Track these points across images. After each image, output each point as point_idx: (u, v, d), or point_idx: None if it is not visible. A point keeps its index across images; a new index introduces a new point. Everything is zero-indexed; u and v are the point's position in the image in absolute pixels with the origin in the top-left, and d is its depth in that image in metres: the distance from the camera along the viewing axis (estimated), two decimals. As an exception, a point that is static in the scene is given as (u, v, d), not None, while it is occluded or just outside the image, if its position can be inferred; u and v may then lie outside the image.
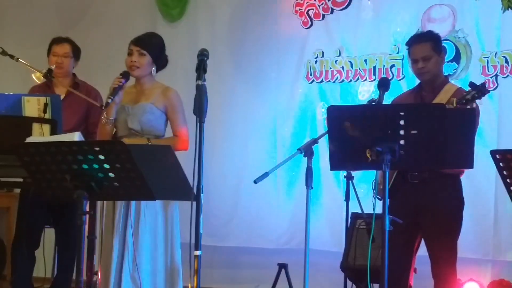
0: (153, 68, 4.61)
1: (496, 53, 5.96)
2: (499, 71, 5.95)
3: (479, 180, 5.85)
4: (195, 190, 3.60)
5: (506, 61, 5.93)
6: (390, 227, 3.60)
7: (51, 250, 5.62)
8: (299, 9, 6.70)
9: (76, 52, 5.45)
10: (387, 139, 3.59)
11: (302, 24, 6.69)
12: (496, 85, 5.96)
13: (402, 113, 3.60)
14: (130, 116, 4.53)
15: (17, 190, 5.79)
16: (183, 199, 3.85)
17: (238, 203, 6.78)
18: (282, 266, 5.88)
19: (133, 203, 4.35)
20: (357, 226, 5.60)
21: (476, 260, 5.89)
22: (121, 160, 3.22)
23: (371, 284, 4.73)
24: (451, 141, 3.64)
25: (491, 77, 5.94)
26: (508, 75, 5.94)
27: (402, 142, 3.59)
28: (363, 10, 6.46)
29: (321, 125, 6.40)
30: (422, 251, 4.67)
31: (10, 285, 5.45)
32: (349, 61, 6.49)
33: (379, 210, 4.32)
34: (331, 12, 6.58)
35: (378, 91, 4.47)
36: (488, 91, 4.32)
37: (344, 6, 6.53)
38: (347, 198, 5.60)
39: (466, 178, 5.51)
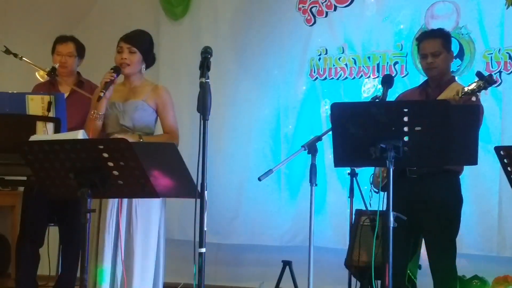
0: (143, 66, 4.61)
1: (499, 50, 5.95)
2: (502, 68, 5.95)
3: (483, 177, 5.85)
4: (199, 188, 3.59)
5: (510, 58, 5.92)
6: (394, 223, 3.61)
7: (55, 248, 5.62)
8: (302, 7, 6.70)
9: (80, 51, 5.45)
10: (391, 136, 3.59)
11: (306, 22, 6.68)
12: (500, 81, 5.95)
13: (406, 110, 3.60)
14: (122, 113, 4.54)
15: (21, 189, 5.80)
16: (187, 197, 3.85)
17: (242, 201, 6.79)
18: (286, 264, 5.88)
19: (125, 201, 4.35)
20: (361, 223, 5.59)
21: (480, 257, 5.89)
22: (125, 158, 3.22)
23: (375, 281, 4.74)
24: (455, 137, 3.64)
25: (494, 74, 5.93)
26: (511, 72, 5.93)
27: (406, 138, 3.59)
28: (367, 7, 6.46)
29: (325, 122, 6.40)
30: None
31: (15, 283, 5.46)
32: (352, 58, 6.48)
33: (374, 203, 4.34)
34: (335, 9, 6.58)
35: (381, 88, 4.47)
36: (495, 82, 4.31)
37: (347, 3, 6.52)
38: (351, 195, 5.60)
39: (470, 174, 5.53)
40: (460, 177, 4.64)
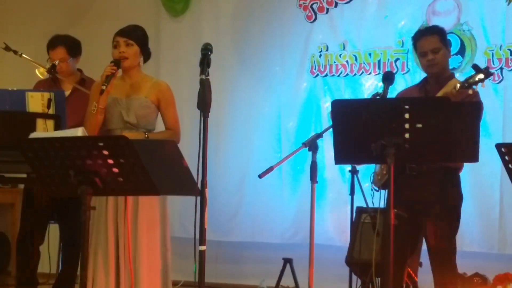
0: (141, 59, 4.59)
1: (501, 46, 5.95)
2: (504, 64, 5.94)
3: (484, 174, 5.85)
4: (199, 185, 3.59)
5: (511, 54, 5.91)
6: (395, 221, 3.60)
7: (56, 246, 5.62)
8: (303, 3, 6.69)
9: (73, 51, 5.34)
10: (392, 133, 3.57)
11: (306, 18, 6.68)
12: (501, 78, 5.94)
13: (407, 107, 3.59)
14: (126, 109, 4.51)
15: (22, 186, 5.80)
16: (187, 194, 3.84)
17: (242, 198, 6.78)
18: (287, 261, 5.87)
19: (130, 198, 4.34)
20: (362, 221, 5.59)
21: (481, 254, 5.89)
22: (125, 155, 3.21)
23: (376, 278, 4.73)
24: (456, 134, 3.62)
25: (496, 70, 5.93)
26: (513, 68, 5.93)
27: (407, 135, 3.57)
28: (367, 3, 6.45)
29: (326, 119, 6.39)
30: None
31: (15, 281, 5.45)
32: (353, 55, 6.47)
33: (376, 201, 4.34)
34: (335, 6, 6.57)
35: (382, 85, 4.46)
36: (492, 74, 4.30)
37: (348, -1, 6.52)
38: (352, 192, 5.59)
39: (471, 171, 5.52)
40: (460, 174, 4.62)
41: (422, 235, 4.64)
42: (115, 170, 3.25)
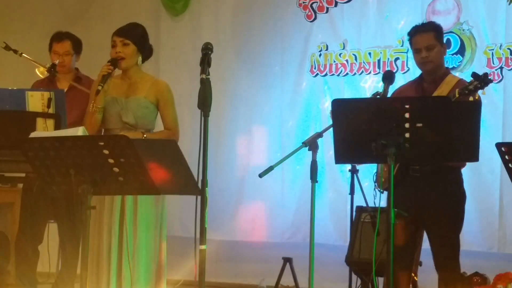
0: (139, 58, 4.58)
1: (501, 45, 5.94)
2: (504, 64, 5.94)
3: (484, 173, 5.85)
4: (199, 184, 3.58)
5: (511, 53, 5.91)
6: (395, 220, 3.60)
7: (55, 245, 5.61)
8: (303, 2, 6.69)
9: (77, 47, 5.40)
10: (392, 132, 3.58)
11: (306, 17, 6.67)
12: (501, 77, 5.94)
13: (407, 106, 3.59)
14: (124, 109, 4.51)
15: (21, 185, 5.79)
16: (188, 193, 3.84)
17: (242, 197, 6.78)
18: (287, 260, 5.87)
19: (128, 198, 4.34)
20: (362, 220, 5.59)
21: (481, 253, 5.89)
22: (125, 155, 3.21)
23: (376, 277, 4.73)
24: (456, 133, 3.63)
25: (496, 70, 5.93)
26: (513, 68, 5.93)
27: (407, 135, 3.58)
28: (367, 3, 6.45)
29: (326, 119, 6.39)
30: (427, 244, 4.66)
31: (15, 280, 5.44)
32: (353, 54, 6.47)
33: (381, 202, 4.34)
34: (335, 5, 6.57)
35: (382, 84, 4.46)
36: (491, 81, 4.30)
37: (348, -1, 6.52)
38: (351, 192, 5.59)
39: (471, 170, 5.51)
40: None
41: (423, 234, 4.64)
42: (116, 169, 3.26)
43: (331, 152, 5.24)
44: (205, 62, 3.71)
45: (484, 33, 6.01)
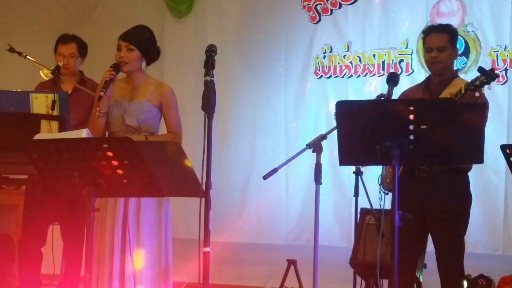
0: (143, 63, 4.58)
1: (505, 47, 5.94)
2: (508, 65, 5.94)
3: (488, 175, 5.84)
4: (203, 187, 3.58)
5: (516, 55, 5.91)
6: (400, 222, 3.59)
7: (59, 247, 5.61)
8: (307, 4, 6.69)
9: (82, 50, 5.41)
10: (397, 134, 3.57)
11: (310, 19, 6.67)
12: (506, 79, 5.94)
13: (411, 108, 3.58)
14: (127, 113, 4.52)
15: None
16: (192, 196, 3.84)
17: (247, 199, 6.78)
18: (291, 262, 5.85)
19: (131, 200, 4.34)
20: (366, 222, 5.58)
21: (486, 255, 5.88)
22: (129, 157, 3.21)
23: (381, 280, 4.72)
24: (461, 136, 3.62)
25: (500, 71, 5.92)
26: (517, 69, 5.93)
27: (411, 137, 3.57)
28: (371, 4, 6.45)
29: (330, 121, 6.38)
30: (431, 246, 4.65)
31: (19, 282, 5.44)
32: (357, 56, 6.47)
33: (386, 205, 4.33)
34: (339, 7, 6.56)
35: (387, 86, 4.45)
36: (497, 76, 4.29)
37: (353, 0, 6.52)
38: (356, 194, 5.58)
39: (476, 172, 5.50)
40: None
41: (428, 235, 4.63)
42: (120, 171, 3.25)
43: (335, 154, 5.23)
44: (209, 64, 3.71)
45: (489, 35, 6.00)
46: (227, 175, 6.75)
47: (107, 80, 4.44)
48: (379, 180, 4.65)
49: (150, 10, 7.25)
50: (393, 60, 6.33)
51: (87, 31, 6.41)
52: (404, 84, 5.72)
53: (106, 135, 4.63)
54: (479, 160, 3.85)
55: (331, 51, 6.58)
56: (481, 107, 3.96)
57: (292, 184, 6.62)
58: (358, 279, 5.64)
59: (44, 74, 5.30)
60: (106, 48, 6.94)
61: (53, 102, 4.63)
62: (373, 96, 6.13)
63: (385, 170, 4.63)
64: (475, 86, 4.11)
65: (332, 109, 6.38)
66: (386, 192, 4.55)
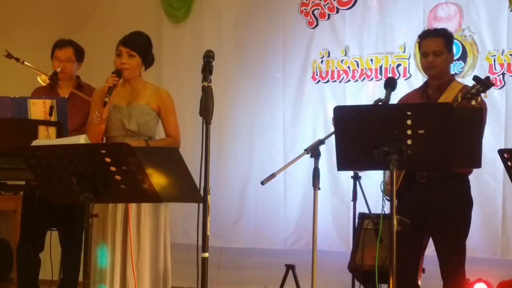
0: (142, 68, 4.60)
1: (503, 51, 5.94)
2: (506, 69, 5.94)
3: (486, 179, 5.84)
4: (202, 192, 3.58)
5: (513, 59, 5.91)
6: (398, 227, 3.59)
7: (57, 253, 5.61)
8: (305, 9, 6.69)
9: (79, 55, 5.41)
10: (394, 139, 3.58)
11: (308, 24, 6.68)
12: (503, 83, 5.94)
13: (409, 113, 3.59)
14: (127, 117, 4.52)
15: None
16: (190, 201, 3.84)
17: (245, 204, 6.77)
18: (290, 267, 5.86)
19: (132, 206, 4.34)
20: (365, 227, 5.58)
21: (484, 260, 5.87)
22: (127, 163, 3.21)
23: (379, 284, 4.72)
24: (459, 140, 3.62)
25: (498, 76, 5.92)
26: (514, 73, 5.93)
27: (409, 142, 3.58)
28: (369, 9, 6.45)
29: (328, 126, 6.38)
30: (430, 251, 4.65)
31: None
32: (355, 60, 6.47)
33: (387, 210, 4.32)
34: (337, 12, 6.57)
35: (385, 91, 4.46)
36: (493, 84, 4.31)
37: (350, 5, 6.51)
38: (354, 199, 5.58)
39: (474, 177, 5.49)
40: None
41: (427, 240, 4.63)
42: (118, 177, 3.25)
43: (333, 159, 5.24)
44: (207, 69, 3.71)
45: (486, 39, 6.01)
46: (225, 180, 6.75)
47: (111, 86, 4.45)
48: (381, 187, 4.65)
49: (148, 15, 7.25)
50: (390, 65, 6.33)
51: (85, 37, 6.41)
52: (402, 89, 5.72)
53: (104, 140, 4.63)
54: (477, 164, 3.85)
55: (328, 56, 6.58)
56: (479, 111, 3.96)
57: (290, 189, 6.61)
58: (357, 284, 5.64)
59: (42, 80, 5.31)
60: (104, 54, 6.96)
61: (51, 107, 4.64)
62: (371, 101, 6.13)
63: (387, 176, 4.64)
64: (471, 94, 4.12)
65: (330, 114, 6.38)
66: (388, 198, 4.56)
